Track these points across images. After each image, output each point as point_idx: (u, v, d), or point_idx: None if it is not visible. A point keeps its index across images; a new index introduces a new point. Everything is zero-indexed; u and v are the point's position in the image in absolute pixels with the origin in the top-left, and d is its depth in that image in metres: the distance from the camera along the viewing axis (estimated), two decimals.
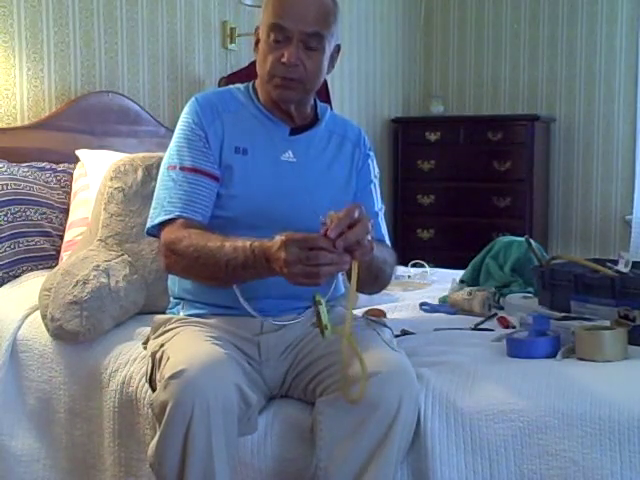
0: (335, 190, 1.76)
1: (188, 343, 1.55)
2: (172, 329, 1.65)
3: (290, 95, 1.69)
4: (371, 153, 1.87)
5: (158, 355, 1.59)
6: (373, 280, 1.70)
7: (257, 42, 1.73)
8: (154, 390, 1.61)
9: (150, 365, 1.64)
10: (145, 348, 1.77)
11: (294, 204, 1.68)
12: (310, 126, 1.77)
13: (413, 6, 5.04)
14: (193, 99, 1.74)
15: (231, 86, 1.83)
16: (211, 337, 1.57)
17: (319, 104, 1.82)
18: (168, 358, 1.51)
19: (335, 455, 1.45)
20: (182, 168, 1.66)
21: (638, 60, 4.56)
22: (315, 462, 1.47)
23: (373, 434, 1.44)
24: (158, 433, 1.43)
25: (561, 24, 4.75)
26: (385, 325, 1.74)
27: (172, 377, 1.42)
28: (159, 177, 1.72)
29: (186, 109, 1.73)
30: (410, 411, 1.48)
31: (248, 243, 1.49)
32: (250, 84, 1.79)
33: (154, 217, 1.67)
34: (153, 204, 1.69)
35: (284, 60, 1.63)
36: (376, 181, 1.88)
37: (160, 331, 1.69)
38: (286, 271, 1.39)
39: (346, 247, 1.39)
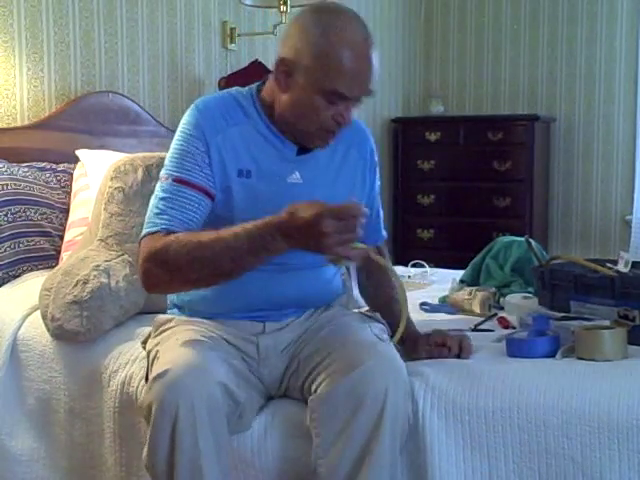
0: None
1: (178, 343, 1.53)
2: (170, 328, 1.65)
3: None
4: (375, 158, 1.83)
5: (152, 355, 1.59)
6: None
7: (287, 73, 1.57)
8: None
9: (147, 364, 1.64)
10: (144, 348, 1.77)
11: None
12: None
13: (413, 6, 5.04)
14: (195, 108, 1.63)
15: (233, 91, 1.70)
16: (204, 337, 1.56)
17: None
18: (158, 359, 1.52)
19: (332, 452, 1.45)
20: (175, 180, 1.59)
21: (638, 60, 4.56)
22: (313, 460, 1.48)
23: (363, 428, 1.43)
24: (147, 435, 1.43)
25: (561, 24, 4.75)
26: (379, 321, 1.74)
27: (155, 379, 1.42)
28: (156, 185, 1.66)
29: (187, 118, 1.63)
30: (399, 401, 1.46)
31: (249, 226, 1.45)
32: (254, 91, 1.68)
33: (144, 229, 1.61)
34: (147, 214, 1.63)
35: (341, 120, 1.57)
36: (378, 187, 1.86)
37: (160, 330, 1.68)
38: (324, 242, 1.38)
39: None
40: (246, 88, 1.70)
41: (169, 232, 1.54)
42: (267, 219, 1.44)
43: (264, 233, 1.43)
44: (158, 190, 1.61)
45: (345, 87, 1.54)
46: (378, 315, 1.75)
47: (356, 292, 1.69)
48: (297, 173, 1.65)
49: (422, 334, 1.77)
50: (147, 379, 1.63)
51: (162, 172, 1.63)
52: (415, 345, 1.73)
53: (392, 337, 1.66)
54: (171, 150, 1.64)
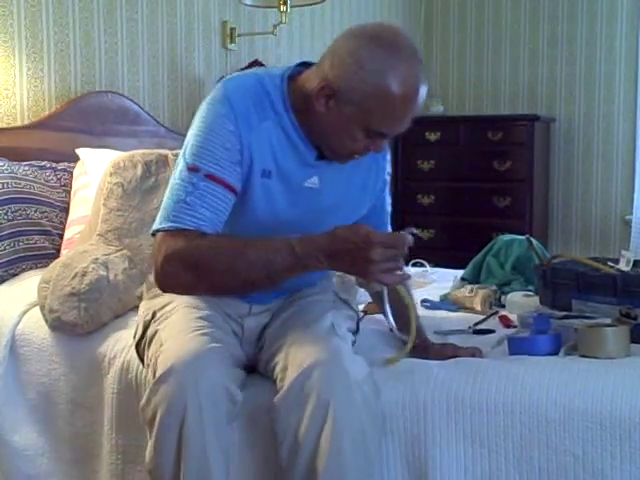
0: (346, 212, 1.70)
1: (178, 332, 1.50)
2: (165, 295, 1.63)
3: None
4: (388, 155, 1.80)
5: (150, 332, 1.58)
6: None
7: (330, 97, 1.50)
8: (141, 359, 1.63)
9: (141, 330, 1.63)
10: (139, 300, 1.73)
11: (302, 230, 1.51)
12: None
13: (413, 6, 5.04)
14: (226, 98, 1.52)
15: (263, 75, 1.57)
16: (202, 318, 1.55)
17: None
18: (160, 345, 1.49)
19: (293, 450, 1.42)
20: (207, 175, 1.48)
21: (638, 60, 4.56)
22: (280, 459, 1.45)
23: (312, 429, 1.40)
24: (152, 439, 1.41)
25: (561, 24, 4.76)
26: (350, 307, 1.75)
27: (161, 381, 1.39)
28: (177, 169, 1.53)
29: (219, 108, 1.51)
30: (345, 400, 1.40)
31: (292, 243, 1.42)
32: (285, 80, 1.57)
33: (165, 219, 1.49)
34: (166, 202, 1.50)
35: (373, 149, 1.56)
36: (386, 181, 1.85)
37: (153, 293, 1.67)
38: (370, 268, 1.37)
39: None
40: (276, 72, 1.59)
41: (201, 233, 1.47)
42: (310, 238, 1.42)
43: (308, 253, 1.41)
44: (185, 180, 1.49)
45: (390, 129, 1.52)
46: (352, 299, 1.72)
47: (391, 319, 1.66)
48: (315, 178, 1.61)
49: (434, 344, 1.76)
50: (137, 347, 1.64)
51: (189, 159, 1.50)
52: (426, 353, 1.72)
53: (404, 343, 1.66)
54: (202, 137, 1.51)
